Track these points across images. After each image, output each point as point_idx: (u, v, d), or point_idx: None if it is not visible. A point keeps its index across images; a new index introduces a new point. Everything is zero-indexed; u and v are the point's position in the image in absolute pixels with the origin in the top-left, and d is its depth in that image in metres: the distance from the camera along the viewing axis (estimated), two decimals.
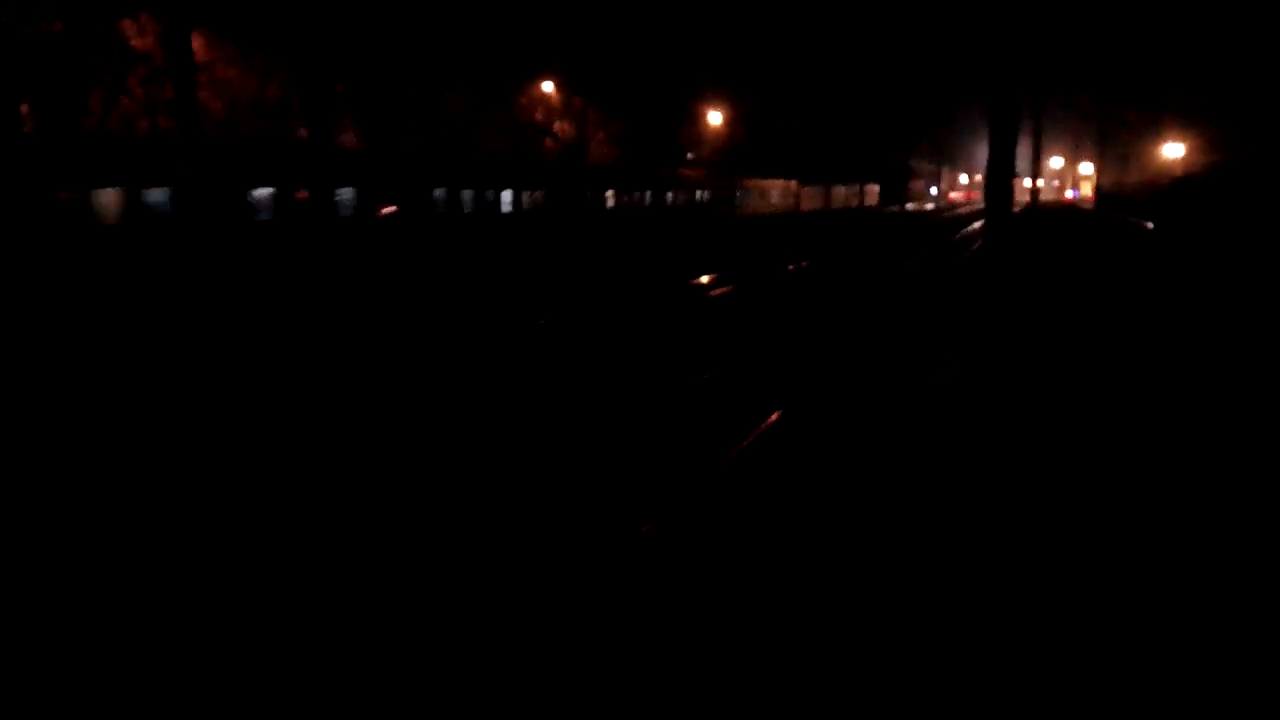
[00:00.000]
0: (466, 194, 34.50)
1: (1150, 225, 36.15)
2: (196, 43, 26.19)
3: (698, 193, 53.57)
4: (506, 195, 37.76)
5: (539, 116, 43.75)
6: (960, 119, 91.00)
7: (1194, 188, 28.74)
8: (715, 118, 55.69)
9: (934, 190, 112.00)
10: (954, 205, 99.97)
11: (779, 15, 51.51)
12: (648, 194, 48.93)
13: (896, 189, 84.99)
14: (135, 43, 23.87)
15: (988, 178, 21.10)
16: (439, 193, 33.38)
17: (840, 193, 75.41)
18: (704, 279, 19.88)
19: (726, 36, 49.25)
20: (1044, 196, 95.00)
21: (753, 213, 57.66)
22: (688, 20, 46.33)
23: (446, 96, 33.91)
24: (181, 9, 19.57)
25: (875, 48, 60.44)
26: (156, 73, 24.61)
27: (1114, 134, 62.73)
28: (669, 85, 49.20)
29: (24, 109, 24.42)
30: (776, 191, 62.91)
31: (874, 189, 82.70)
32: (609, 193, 45.12)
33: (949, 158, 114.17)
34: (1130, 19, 40.74)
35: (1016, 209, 48.83)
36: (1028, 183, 75.17)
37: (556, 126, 44.39)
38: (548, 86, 43.24)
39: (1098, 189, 75.63)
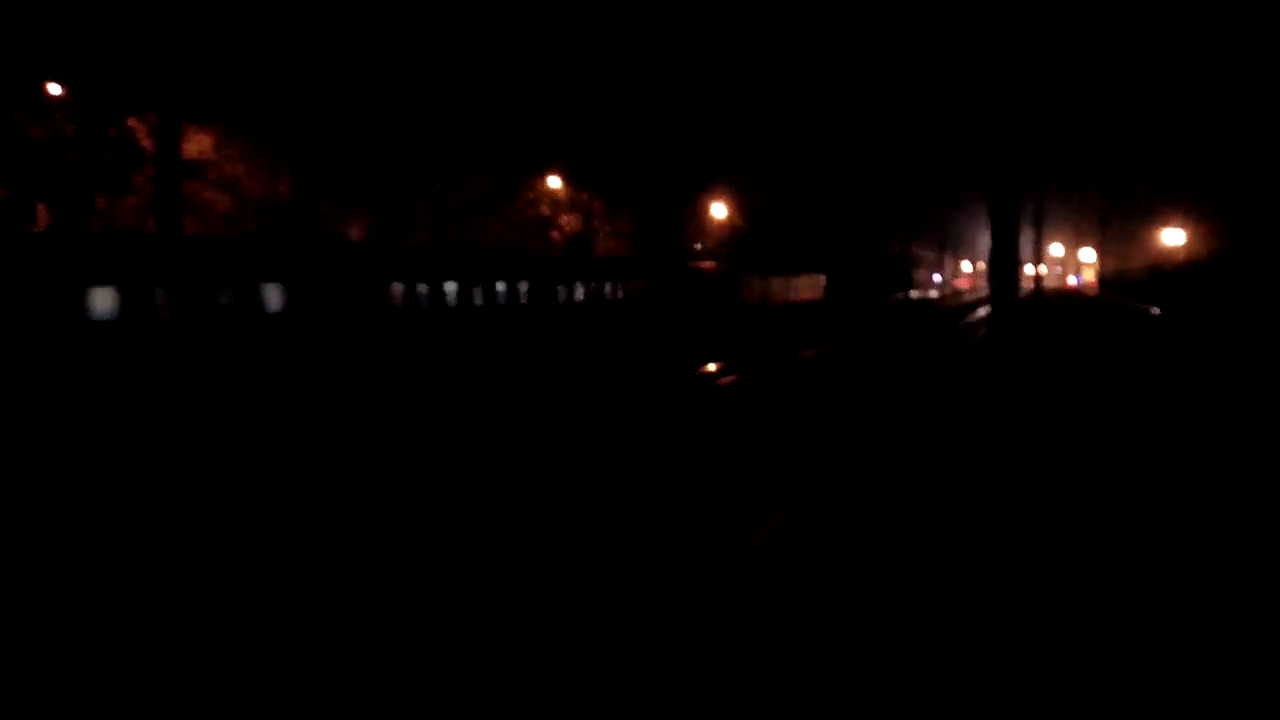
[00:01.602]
0: (475, 287, 34.72)
1: (1156, 310, 36.05)
2: (205, 140, 26.63)
3: (706, 283, 53.92)
4: (522, 286, 37.95)
5: (545, 210, 44.29)
6: (963, 207, 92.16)
7: (1199, 272, 28.72)
8: (720, 210, 56.36)
9: (938, 278, 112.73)
10: (959, 292, 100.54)
11: (783, 108, 52.58)
12: (656, 284, 49.22)
13: (900, 276, 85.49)
14: (143, 142, 24.26)
15: (991, 265, 20.97)
16: (449, 286, 33.63)
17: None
18: (711, 367, 19.71)
19: (731, 128, 50.19)
20: (1046, 283, 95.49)
21: (758, 302, 57.91)
22: (691, 113, 47.28)
23: (452, 191, 34.35)
24: (173, 108, 19.94)
25: (877, 137, 61.58)
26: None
27: (1115, 221, 63.30)
28: (674, 178, 49.95)
29: (41, 207, 24.81)
30: (779, 282, 63.39)
31: (877, 276, 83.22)
32: (622, 283, 45.34)
33: (953, 245, 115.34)
34: (1128, 110, 41.41)
35: (1021, 296, 48.91)
36: (1030, 269, 75.60)
37: (562, 219, 44.89)
38: (554, 181, 43.85)
39: (1101, 275, 75.95)
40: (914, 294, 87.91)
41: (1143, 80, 39.04)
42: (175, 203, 23.20)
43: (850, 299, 61.49)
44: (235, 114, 26.16)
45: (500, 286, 38.74)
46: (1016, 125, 20.25)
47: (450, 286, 34.45)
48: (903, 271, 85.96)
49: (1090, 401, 12.73)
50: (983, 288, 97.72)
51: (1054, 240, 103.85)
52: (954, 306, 58.95)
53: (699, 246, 57.63)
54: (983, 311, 43.89)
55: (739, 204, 56.79)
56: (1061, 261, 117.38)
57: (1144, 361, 18.32)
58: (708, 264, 56.94)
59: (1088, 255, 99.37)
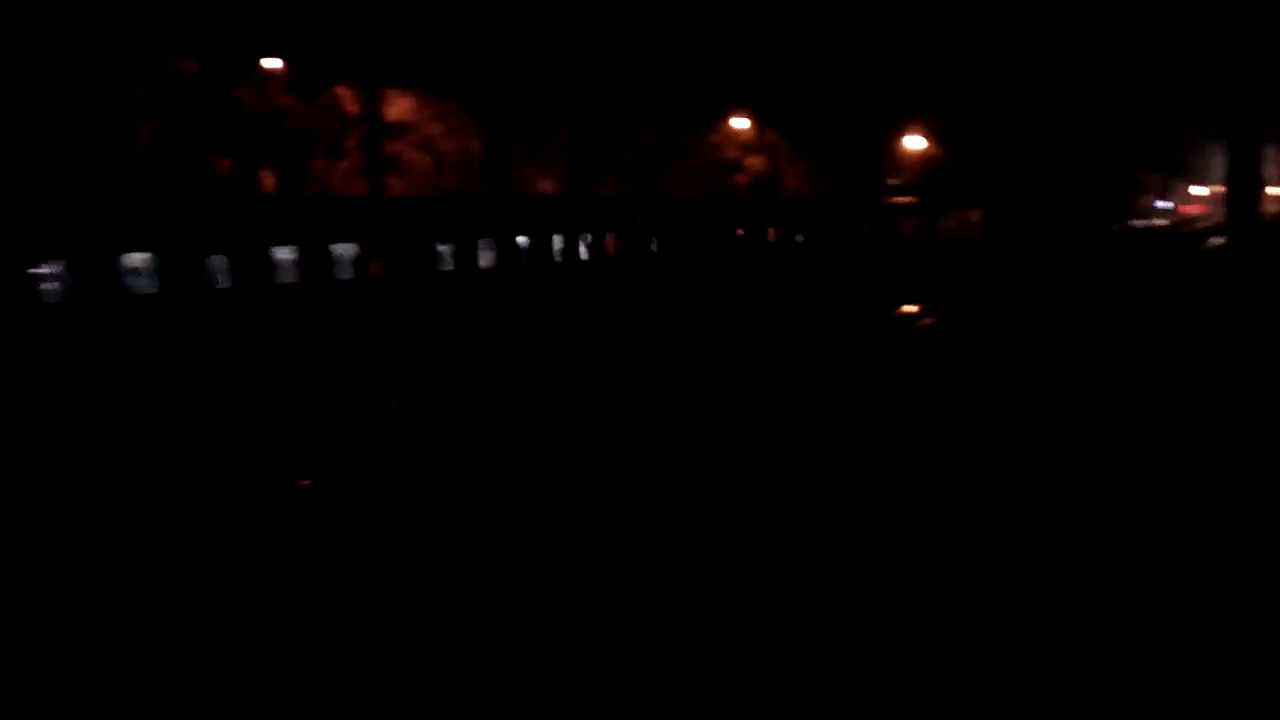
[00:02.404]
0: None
1: None
2: (407, 103, 27.85)
3: (902, 219, 51.85)
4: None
5: (731, 153, 43.59)
6: (1195, 126, 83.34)
7: None
8: (917, 142, 53.48)
9: (1165, 204, 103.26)
10: (1188, 219, 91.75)
11: (987, 27, 49.04)
12: (850, 222, 47.80)
13: (1121, 205, 78.60)
14: (350, 108, 25.63)
15: (1229, 188, 18.92)
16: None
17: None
18: (910, 308, 19.29)
19: (926, 55, 47.38)
20: None
21: (958, 235, 55.12)
22: (881, 42, 45.01)
23: (636, 140, 34.43)
24: (375, 75, 20.91)
25: (1094, 55, 56.42)
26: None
27: None
28: (863, 111, 47.91)
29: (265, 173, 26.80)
30: (978, 215, 59.89)
31: (1096, 205, 76.87)
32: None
33: (1181, 168, 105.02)
34: None
35: (1263, 221, 43.88)
36: (1276, 190, 67.39)
37: (748, 162, 44.08)
38: (739, 122, 42.97)
39: None
40: (1137, 223, 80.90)
41: None
42: (380, 164, 24.36)
43: (1052, 233, 57.21)
44: (430, 77, 27.18)
45: (693, 235, 38.45)
46: (1258, 34, 17.97)
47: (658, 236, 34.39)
48: (1124, 198, 79.09)
49: None
50: (1216, 214, 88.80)
51: None
52: (1183, 235, 53.85)
53: (894, 181, 55.17)
54: (1217, 240, 39.73)
55: (936, 134, 53.72)
56: None
57: None
58: (904, 199, 54.52)
59: None
